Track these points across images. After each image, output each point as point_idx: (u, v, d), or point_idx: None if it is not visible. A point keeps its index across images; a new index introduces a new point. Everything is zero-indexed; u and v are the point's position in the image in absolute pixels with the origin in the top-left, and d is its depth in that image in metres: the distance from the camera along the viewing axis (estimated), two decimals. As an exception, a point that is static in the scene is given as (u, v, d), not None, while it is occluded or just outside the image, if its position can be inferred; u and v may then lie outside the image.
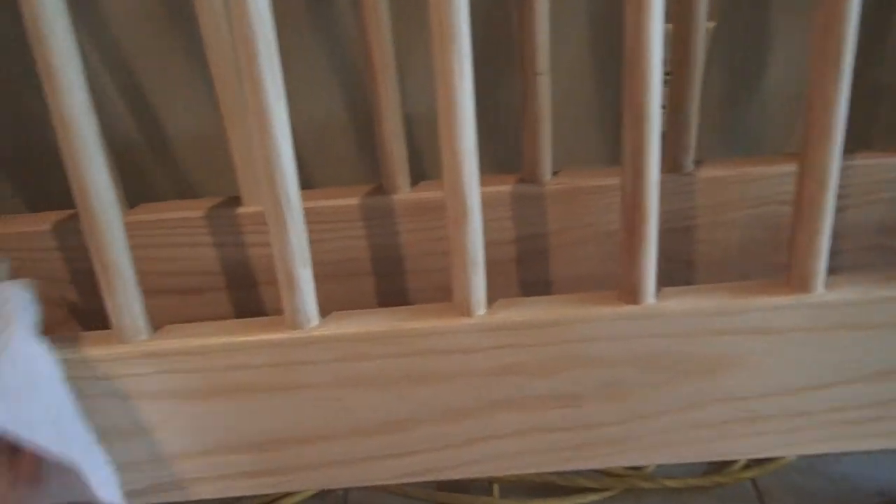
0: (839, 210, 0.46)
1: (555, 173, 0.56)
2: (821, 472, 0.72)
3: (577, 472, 0.70)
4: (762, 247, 0.57)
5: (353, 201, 0.55)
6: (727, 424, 0.47)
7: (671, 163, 0.54)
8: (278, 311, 0.58)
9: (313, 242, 0.44)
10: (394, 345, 0.45)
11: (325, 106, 0.60)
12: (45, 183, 0.64)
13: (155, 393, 0.46)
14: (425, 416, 0.47)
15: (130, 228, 0.44)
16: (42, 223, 0.55)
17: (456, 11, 0.37)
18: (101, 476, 0.44)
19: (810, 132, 0.41)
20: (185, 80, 0.59)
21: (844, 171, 0.47)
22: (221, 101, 0.50)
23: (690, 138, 0.53)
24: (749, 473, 0.72)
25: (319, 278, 0.45)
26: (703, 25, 0.50)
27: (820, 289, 0.44)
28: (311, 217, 0.43)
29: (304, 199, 0.43)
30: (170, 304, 0.56)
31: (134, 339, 0.45)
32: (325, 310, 0.46)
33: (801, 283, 0.44)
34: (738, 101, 0.63)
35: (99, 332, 0.46)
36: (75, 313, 0.58)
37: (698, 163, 0.55)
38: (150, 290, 0.46)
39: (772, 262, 0.57)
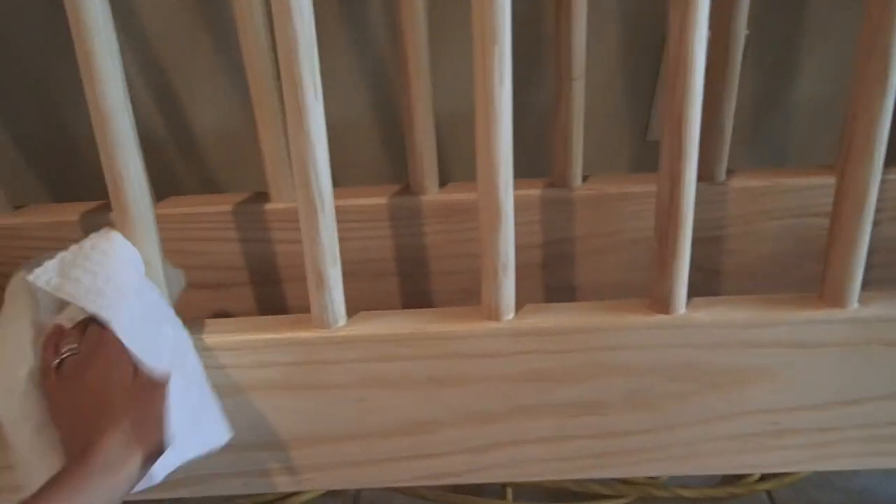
0: (872, 224, 0.46)
1: (584, 178, 0.55)
2: (838, 487, 0.72)
3: (592, 478, 0.70)
4: (792, 259, 0.56)
5: (381, 201, 0.55)
6: (754, 437, 0.47)
7: (703, 172, 0.53)
8: (302, 308, 0.58)
9: (339, 241, 0.44)
10: (420, 347, 0.45)
11: (350, 106, 0.60)
12: (72, 175, 0.64)
13: (180, 387, 0.46)
14: (449, 419, 0.47)
15: (158, 221, 0.44)
16: (70, 213, 0.55)
17: (499, 13, 0.37)
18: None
19: (851, 149, 0.41)
20: (211, 76, 0.59)
21: (880, 185, 0.47)
22: (254, 98, 0.50)
23: (724, 148, 0.53)
24: (765, 485, 0.71)
25: (343, 276, 0.45)
26: (742, 34, 0.49)
27: (854, 304, 0.44)
28: (338, 215, 0.43)
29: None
30: (194, 298, 0.56)
31: (161, 333, 0.45)
32: (348, 308, 0.46)
33: (834, 298, 0.44)
34: (766, 111, 0.62)
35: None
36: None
37: (730, 172, 0.55)
38: (177, 283, 0.46)
39: (801, 274, 0.56)
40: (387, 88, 0.60)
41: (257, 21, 0.48)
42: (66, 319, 0.42)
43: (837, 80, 0.61)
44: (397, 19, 0.49)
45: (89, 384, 0.39)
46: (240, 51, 0.49)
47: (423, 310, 0.47)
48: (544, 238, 0.55)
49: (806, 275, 0.56)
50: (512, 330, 0.44)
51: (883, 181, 0.53)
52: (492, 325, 0.44)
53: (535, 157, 0.61)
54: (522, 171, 0.41)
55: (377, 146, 0.63)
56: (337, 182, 0.60)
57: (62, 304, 0.43)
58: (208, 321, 0.46)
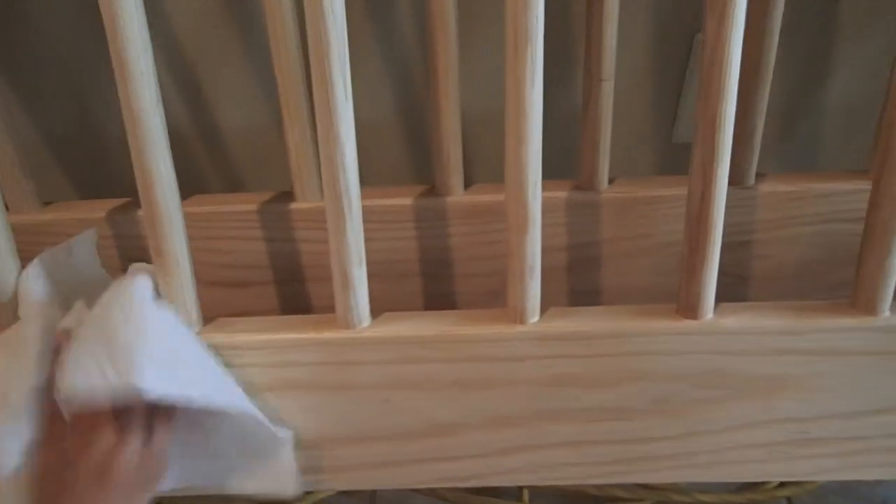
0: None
1: (610, 181, 0.55)
2: (858, 495, 0.71)
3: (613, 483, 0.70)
4: (819, 265, 0.55)
5: (406, 201, 0.54)
6: (781, 446, 0.46)
7: (733, 175, 0.53)
8: (324, 308, 0.58)
9: (364, 241, 0.44)
10: (445, 349, 0.45)
11: (375, 106, 0.60)
12: (100, 173, 0.64)
13: (204, 385, 0.46)
14: (473, 422, 0.47)
15: (184, 219, 0.44)
16: (97, 210, 0.55)
17: (532, 13, 0.37)
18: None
19: (887, 157, 0.40)
20: (238, 74, 0.59)
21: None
22: (282, 97, 0.50)
23: (754, 151, 0.52)
24: (785, 492, 0.71)
25: (367, 277, 0.45)
26: (776, 36, 0.48)
27: (886, 312, 0.43)
28: (363, 216, 0.42)
29: (358, 197, 0.42)
30: (217, 296, 0.56)
31: (187, 331, 0.45)
32: (371, 309, 0.46)
33: (867, 306, 0.43)
34: (796, 115, 0.62)
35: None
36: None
37: (759, 176, 0.54)
38: (200, 281, 0.46)
39: (830, 280, 0.55)
40: (411, 88, 0.60)
41: (287, 19, 0.48)
42: (75, 321, 0.42)
43: (868, 85, 0.60)
44: (428, 19, 0.49)
45: (95, 450, 0.39)
46: (268, 49, 0.49)
47: (448, 311, 0.46)
48: (569, 241, 0.55)
49: (835, 281, 0.55)
50: (537, 333, 0.44)
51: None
52: (517, 328, 0.44)
53: (559, 159, 0.61)
54: (547, 172, 0.41)
55: (401, 146, 0.63)
56: (361, 182, 0.60)
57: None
58: (232, 320, 0.47)
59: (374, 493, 0.71)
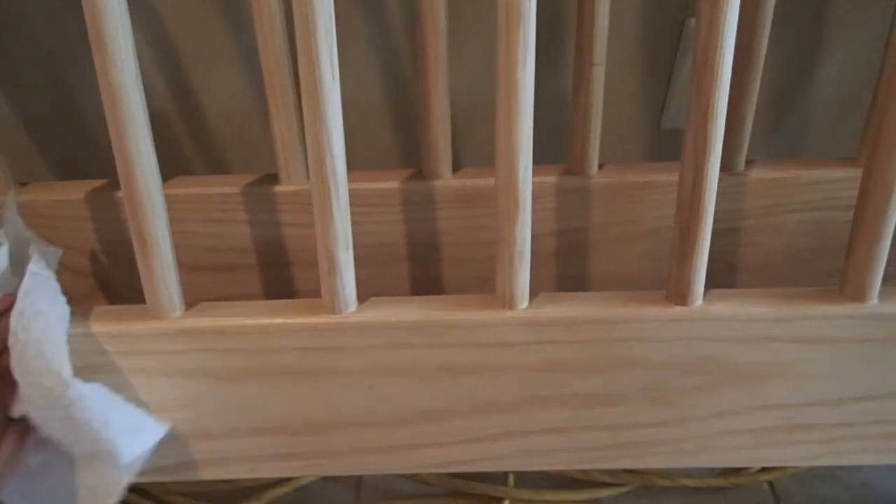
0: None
1: (600, 166, 0.54)
2: (840, 479, 0.72)
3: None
4: (809, 253, 0.55)
5: (393, 185, 0.54)
6: (767, 432, 0.47)
7: (723, 162, 0.52)
8: (310, 292, 0.58)
9: (350, 225, 0.43)
10: (432, 335, 0.44)
11: (361, 88, 0.59)
12: (77, 152, 0.63)
13: (187, 371, 0.45)
14: (460, 408, 0.46)
15: (166, 202, 0.43)
16: (74, 191, 0.54)
17: (525, -6, 0.36)
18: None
19: (879, 143, 0.40)
20: (222, 52, 0.58)
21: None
22: (266, 78, 0.49)
23: (744, 138, 0.52)
24: (767, 476, 0.72)
25: (354, 261, 0.44)
26: (768, 22, 0.48)
27: (874, 299, 0.43)
28: (349, 199, 0.42)
29: (344, 180, 0.42)
30: (201, 280, 0.56)
31: (168, 316, 0.44)
32: (357, 294, 0.45)
33: (855, 293, 0.43)
34: (785, 102, 0.62)
35: (132, 306, 0.45)
36: (103, 285, 0.58)
37: (749, 163, 0.54)
38: (183, 265, 0.45)
39: (818, 268, 0.56)
40: (399, 71, 0.59)
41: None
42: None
43: (859, 73, 0.60)
44: (416, 2, 0.48)
45: None
46: (252, 27, 0.48)
47: (436, 297, 0.46)
48: (558, 226, 0.55)
49: (824, 269, 0.56)
50: (526, 319, 0.44)
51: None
52: (506, 314, 0.44)
53: (548, 143, 0.60)
54: (536, 156, 0.41)
55: (388, 130, 0.62)
56: (347, 166, 0.59)
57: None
58: (216, 304, 0.46)
59: (359, 477, 0.71)
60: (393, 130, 0.62)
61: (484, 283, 0.56)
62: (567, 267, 0.56)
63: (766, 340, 0.44)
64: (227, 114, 0.61)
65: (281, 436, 0.47)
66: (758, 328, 0.43)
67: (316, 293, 0.45)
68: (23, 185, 0.56)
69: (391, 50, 0.58)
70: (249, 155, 0.63)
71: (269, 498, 0.68)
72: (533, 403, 0.46)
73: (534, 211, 0.42)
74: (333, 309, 0.44)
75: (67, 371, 0.41)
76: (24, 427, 0.42)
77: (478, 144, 0.62)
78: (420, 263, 0.56)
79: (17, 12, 0.56)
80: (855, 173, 0.53)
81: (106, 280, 0.57)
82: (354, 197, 0.42)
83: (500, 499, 0.68)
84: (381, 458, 0.48)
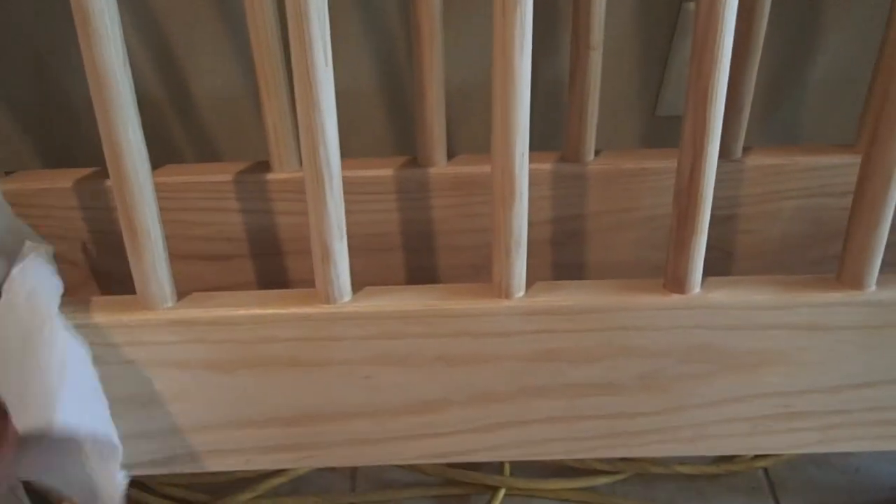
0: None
1: (596, 153, 0.54)
2: (835, 465, 0.72)
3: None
4: (804, 239, 0.55)
5: (387, 173, 0.53)
6: (765, 420, 0.46)
7: (720, 148, 0.52)
8: (303, 282, 0.57)
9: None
10: (428, 324, 0.44)
11: (354, 74, 0.58)
12: (65, 140, 0.61)
13: (179, 362, 0.44)
14: (456, 398, 0.46)
15: (156, 190, 0.42)
16: (63, 180, 0.53)
17: (522, -23, 0.35)
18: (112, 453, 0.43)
19: (879, 128, 0.39)
20: (211, 39, 0.57)
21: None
22: (257, 62, 0.48)
23: (742, 123, 0.51)
24: (761, 462, 0.72)
25: (348, 250, 0.43)
26: (767, 6, 0.47)
27: (872, 287, 0.43)
28: (343, 187, 0.41)
29: (338, 168, 0.41)
30: (193, 270, 0.55)
31: (159, 306, 0.44)
32: (351, 283, 0.44)
33: (853, 280, 0.43)
34: (780, 88, 0.61)
35: (123, 297, 0.45)
36: (92, 275, 0.57)
37: (746, 149, 0.53)
38: (174, 255, 0.44)
39: (814, 255, 0.55)
40: (392, 57, 0.58)
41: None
42: None
43: (853, 56, 0.59)
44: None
45: None
46: (242, 11, 0.47)
47: (432, 286, 0.45)
48: (554, 214, 0.54)
49: (819, 256, 0.55)
50: (523, 308, 0.43)
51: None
52: (503, 303, 0.43)
53: (542, 130, 0.60)
54: (529, 144, 0.40)
55: (381, 117, 0.61)
56: (340, 153, 0.58)
57: None
58: (208, 294, 0.45)
59: (354, 467, 0.71)
60: (386, 117, 0.61)
61: (478, 271, 0.56)
62: (562, 255, 0.56)
63: (764, 328, 0.43)
64: (217, 100, 0.60)
65: (276, 427, 0.47)
66: (755, 316, 0.43)
67: (309, 282, 0.44)
68: (9, 173, 0.55)
69: (384, 34, 0.57)
70: (240, 142, 0.62)
71: (265, 488, 0.68)
72: (530, 393, 0.46)
73: (529, 199, 0.42)
74: (328, 299, 0.43)
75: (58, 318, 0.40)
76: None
77: (474, 131, 0.61)
78: (414, 252, 0.56)
79: (3, 3, 0.55)
80: (852, 160, 0.52)
81: (95, 270, 0.57)
82: (347, 185, 0.42)
83: (496, 488, 0.68)
84: (378, 450, 0.48)
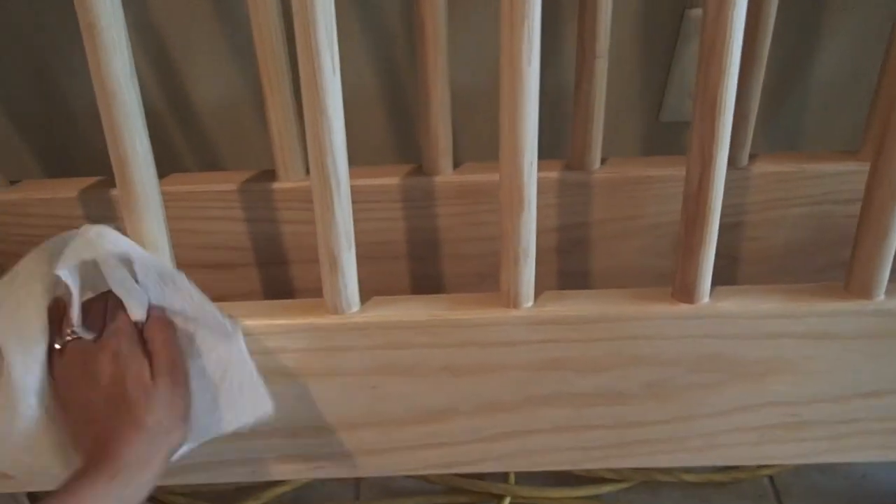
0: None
1: (602, 161, 0.54)
2: (840, 472, 0.72)
3: (600, 464, 0.70)
4: (809, 246, 0.55)
5: (393, 181, 0.53)
6: (773, 429, 0.46)
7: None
8: (308, 290, 0.57)
9: (349, 222, 0.42)
10: (436, 334, 0.44)
11: (358, 82, 0.58)
12: (69, 150, 0.61)
13: (185, 373, 0.44)
14: (463, 407, 0.46)
15: (162, 199, 0.42)
16: (67, 190, 0.52)
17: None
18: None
19: (887, 136, 0.39)
20: (214, 46, 0.57)
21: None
22: (263, 71, 0.48)
23: (748, 131, 0.51)
24: (767, 470, 0.72)
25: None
26: (773, 12, 0.47)
27: (881, 296, 0.43)
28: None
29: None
30: (198, 279, 0.54)
31: (166, 317, 0.43)
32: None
33: (861, 289, 0.43)
34: (783, 95, 0.61)
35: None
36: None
37: (752, 157, 0.53)
38: (179, 263, 0.44)
39: (819, 262, 0.55)
40: (394, 64, 0.58)
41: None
42: (65, 293, 0.40)
43: (855, 62, 0.59)
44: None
45: (103, 380, 0.37)
46: (245, 18, 0.47)
47: (439, 296, 0.45)
48: (560, 222, 0.54)
49: (824, 263, 0.55)
50: (531, 318, 0.43)
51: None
52: (511, 312, 0.43)
53: (545, 137, 0.60)
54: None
55: (383, 125, 0.61)
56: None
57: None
58: (217, 305, 0.45)
59: (357, 475, 0.71)
60: (388, 123, 0.61)
61: (484, 279, 0.56)
62: (568, 262, 0.56)
63: (772, 337, 0.43)
64: (220, 108, 0.60)
65: (282, 438, 0.46)
66: (764, 325, 0.43)
67: (315, 291, 0.44)
68: (13, 182, 0.54)
69: (387, 41, 0.57)
70: (241, 150, 0.62)
71: (268, 496, 0.68)
72: (537, 402, 0.45)
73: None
74: (335, 309, 0.43)
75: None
76: None
77: (478, 139, 0.61)
78: (420, 261, 0.55)
79: (3, 10, 0.54)
80: (857, 167, 0.52)
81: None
82: (353, 193, 0.41)
83: (501, 496, 0.68)
84: (384, 460, 0.48)
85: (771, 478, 0.72)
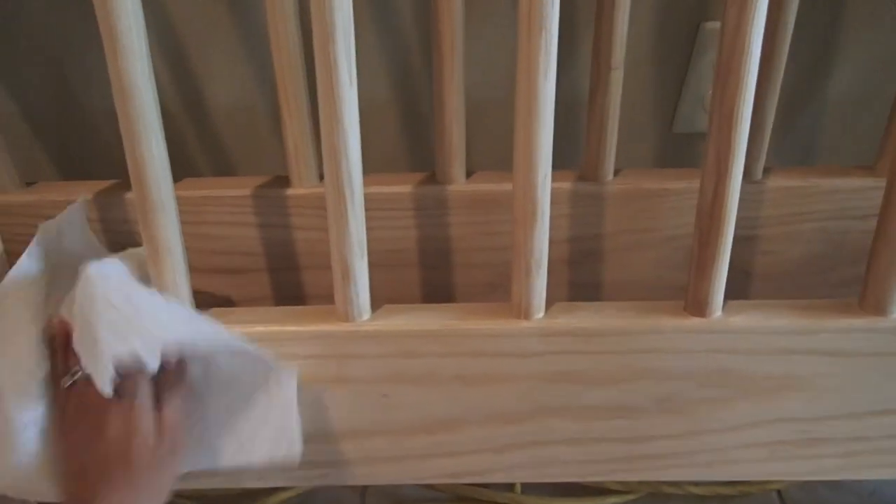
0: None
1: (615, 172, 0.54)
2: (849, 488, 0.71)
3: (607, 476, 0.69)
4: (823, 261, 0.55)
5: (405, 189, 0.53)
6: (783, 445, 0.46)
7: (740, 170, 0.52)
8: (319, 297, 0.57)
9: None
10: (447, 343, 0.44)
11: (368, 91, 0.58)
12: (84, 152, 0.62)
13: (196, 377, 0.44)
14: (473, 417, 0.46)
15: (177, 204, 0.42)
16: (83, 192, 0.53)
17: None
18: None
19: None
20: (229, 51, 0.57)
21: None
22: (279, 79, 0.48)
23: (763, 145, 0.51)
24: (775, 484, 0.71)
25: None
26: (791, 26, 0.47)
27: (895, 312, 0.43)
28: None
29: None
30: (211, 284, 0.55)
31: (178, 321, 0.43)
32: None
33: (875, 306, 0.43)
34: (797, 108, 0.61)
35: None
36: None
37: (767, 171, 0.53)
38: (192, 268, 0.44)
39: (832, 278, 0.55)
40: (408, 72, 0.58)
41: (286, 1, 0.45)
42: (68, 311, 0.40)
43: (870, 76, 0.59)
44: (433, 3, 0.47)
45: (109, 433, 0.37)
46: (261, 25, 0.47)
47: (450, 305, 0.45)
48: (572, 233, 0.54)
49: (838, 278, 0.55)
50: (542, 329, 0.43)
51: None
52: (522, 323, 0.43)
53: (557, 147, 0.60)
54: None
55: (395, 132, 0.61)
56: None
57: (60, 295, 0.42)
58: (228, 310, 0.45)
59: (364, 481, 0.70)
60: (401, 131, 0.61)
61: (495, 289, 0.56)
62: (579, 274, 0.55)
63: (785, 353, 0.43)
64: (235, 114, 0.60)
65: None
66: (776, 341, 0.43)
67: (326, 297, 0.44)
68: (29, 184, 0.55)
69: (400, 48, 0.57)
70: (255, 154, 0.62)
71: (273, 501, 0.68)
72: (547, 414, 0.45)
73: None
74: (347, 317, 0.43)
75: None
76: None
77: (490, 147, 0.61)
78: (431, 269, 0.55)
79: (21, 11, 0.55)
80: (873, 182, 0.52)
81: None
82: (366, 201, 0.42)
83: (507, 505, 0.68)
84: (392, 468, 0.48)
85: (779, 492, 0.71)
